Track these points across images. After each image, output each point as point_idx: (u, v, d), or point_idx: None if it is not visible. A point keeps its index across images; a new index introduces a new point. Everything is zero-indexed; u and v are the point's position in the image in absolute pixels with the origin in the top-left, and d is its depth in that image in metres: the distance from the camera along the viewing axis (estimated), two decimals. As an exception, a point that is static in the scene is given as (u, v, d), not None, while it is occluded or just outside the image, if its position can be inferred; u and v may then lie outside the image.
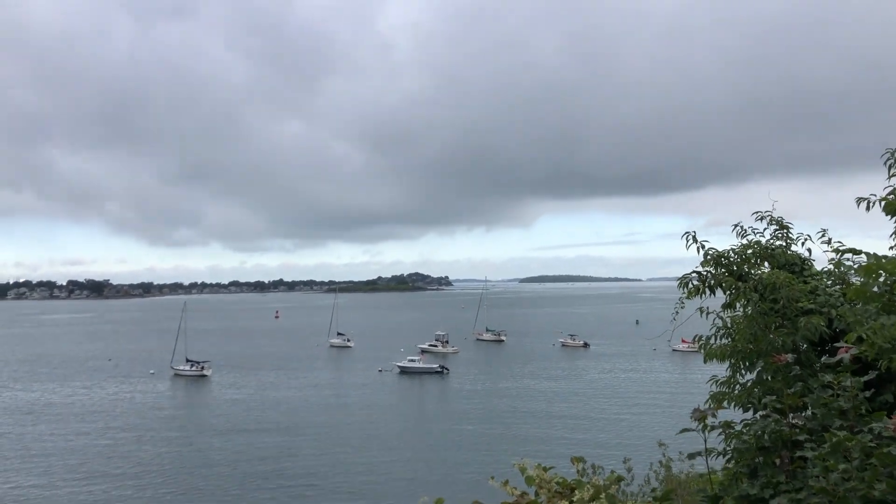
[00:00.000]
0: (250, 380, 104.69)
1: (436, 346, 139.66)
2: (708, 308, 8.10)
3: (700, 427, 7.09)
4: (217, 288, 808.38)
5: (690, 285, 8.03)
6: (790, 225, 8.13)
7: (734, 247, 8.04)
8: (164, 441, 66.74)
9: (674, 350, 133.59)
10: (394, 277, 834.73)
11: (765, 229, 8.21)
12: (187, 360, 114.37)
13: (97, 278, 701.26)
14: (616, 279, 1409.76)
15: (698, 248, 8.23)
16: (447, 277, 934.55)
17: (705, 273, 7.98)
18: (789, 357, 6.15)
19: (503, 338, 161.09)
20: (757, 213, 8.29)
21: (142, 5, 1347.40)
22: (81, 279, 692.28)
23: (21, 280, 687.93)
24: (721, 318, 7.94)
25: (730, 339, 7.76)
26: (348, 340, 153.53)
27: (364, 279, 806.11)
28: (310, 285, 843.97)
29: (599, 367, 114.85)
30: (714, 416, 6.53)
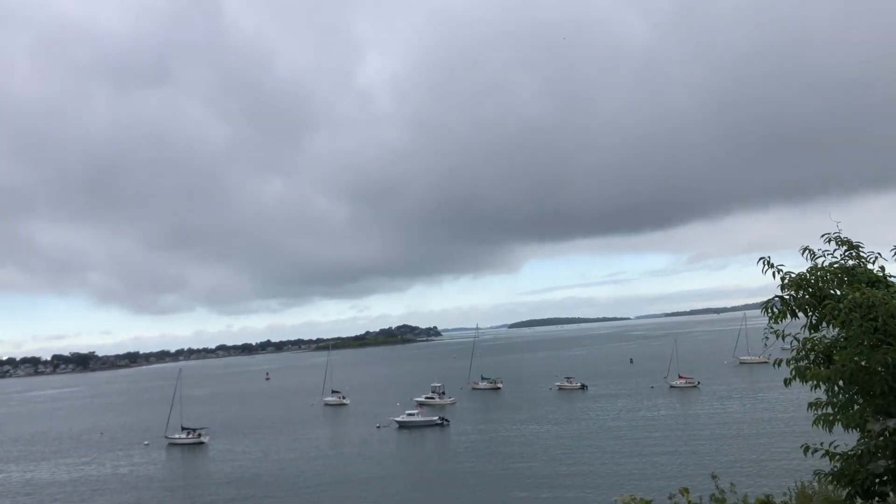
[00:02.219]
0: (249, 444, 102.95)
1: (432, 398, 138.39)
2: (783, 331, 8.20)
3: (813, 452, 7.28)
4: (204, 353, 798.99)
5: (775, 310, 8.13)
6: (861, 244, 8.30)
7: (808, 270, 8.19)
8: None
9: (671, 386, 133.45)
10: (382, 331, 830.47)
11: (835, 250, 8.39)
12: (182, 428, 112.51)
13: (82, 351, 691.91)
14: (605, 319, 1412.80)
15: (774, 273, 8.38)
16: (436, 328, 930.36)
17: (788, 297, 8.11)
18: None
19: (499, 385, 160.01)
20: (825, 234, 8.47)
21: (119, 73, 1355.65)
22: (66, 353, 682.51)
23: (4, 358, 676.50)
24: (808, 340, 8.01)
25: (820, 363, 7.83)
26: (343, 398, 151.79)
27: (352, 335, 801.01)
28: (298, 344, 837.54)
29: (599, 407, 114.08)
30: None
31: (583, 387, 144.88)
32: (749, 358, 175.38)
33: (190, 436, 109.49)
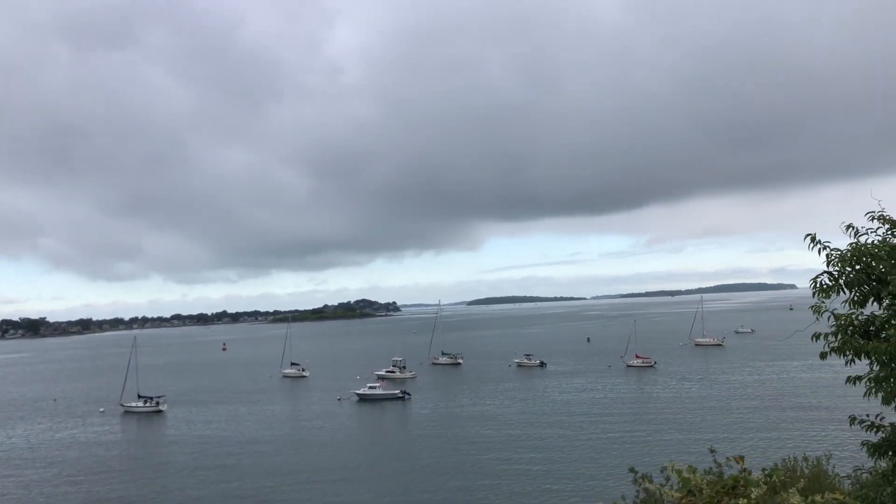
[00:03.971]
0: (208, 414, 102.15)
1: (393, 371, 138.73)
2: (826, 306, 8.28)
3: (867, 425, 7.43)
4: (159, 322, 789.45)
5: (823, 285, 8.20)
6: None
7: (849, 247, 8.27)
8: (127, 482, 64.52)
9: (628, 365, 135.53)
10: (341, 305, 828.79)
11: (878, 228, 8.48)
12: (139, 397, 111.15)
13: (32, 316, 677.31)
14: (562, 298, 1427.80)
15: (819, 249, 8.45)
16: (395, 303, 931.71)
17: (836, 272, 8.19)
18: None
19: (460, 361, 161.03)
20: (870, 213, 8.56)
21: (80, 33, 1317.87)
22: (16, 318, 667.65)
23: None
24: (847, 316, 8.11)
25: (867, 338, 7.93)
26: (303, 370, 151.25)
27: (310, 308, 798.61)
28: (254, 316, 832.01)
29: (558, 385, 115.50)
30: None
31: (542, 364, 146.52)
32: (704, 340, 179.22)
33: (147, 404, 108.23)
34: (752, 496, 5.83)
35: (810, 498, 5.60)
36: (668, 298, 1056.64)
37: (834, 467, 12.76)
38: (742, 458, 6.80)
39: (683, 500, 6.33)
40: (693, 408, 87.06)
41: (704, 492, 6.43)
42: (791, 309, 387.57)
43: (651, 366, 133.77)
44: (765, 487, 6.00)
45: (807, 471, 11.93)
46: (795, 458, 12.94)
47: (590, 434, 74.36)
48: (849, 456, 46.03)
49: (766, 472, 6.55)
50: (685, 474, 6.65)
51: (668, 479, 17.07)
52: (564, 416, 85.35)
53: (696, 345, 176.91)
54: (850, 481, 11.17)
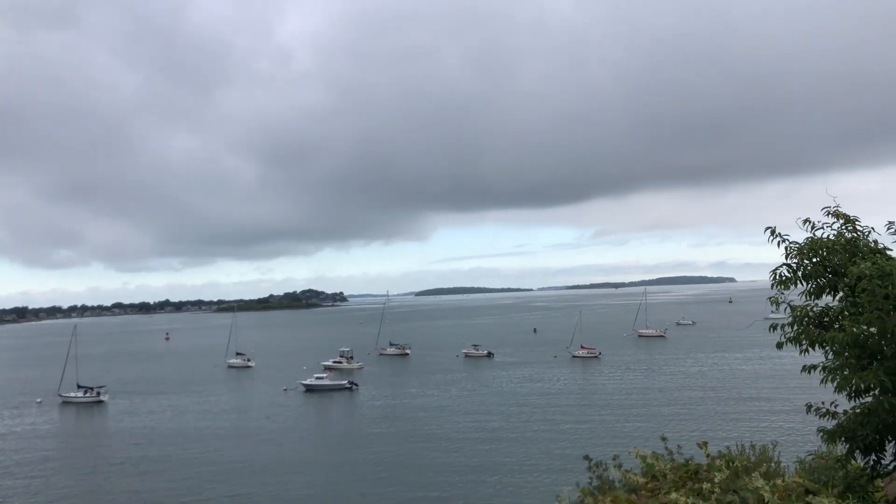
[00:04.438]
0: (151, 404, 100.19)
1: (340, 362, 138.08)
2: (786, 298, 8.57)
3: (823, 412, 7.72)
4: (99, 310, 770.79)
5: (782, 276, 8.46)
6: (857, 218, 8.73)
7: (806, 241, 8.56)
8: (68, 474, 62.99)
9: (574, 356, 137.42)
10: (287, 294, 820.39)
11: (833, 223, 8.79)
12: (79, 387, 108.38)
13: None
14: (509, 290, 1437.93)
15: (779, 242, 8.71)
16: (342, 293, 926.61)
17: (795, 265, 8.46)
18: None
19: (408, 351, 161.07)
20: (825, 208, 8.86)
21: (20, 12, 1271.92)
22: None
23: None
24: (802, 307, 8.41)
25: (822, 328, 8.23)
26: (248, 360, 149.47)
27: (255, 297, 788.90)
28: (198, 305, 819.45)
29: (506, 375, 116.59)
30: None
31: (489, 354, 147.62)
32: (647, 331, 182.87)
33: (87, 394, 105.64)
34: (716, 480, 6.01)
35: (772, 481, 5.81)
36: (613, 290, 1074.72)
37: (780, 454, 13.20)
38: (706, 443, 7.02)
39: (648, 485, 6.50)
40: (639, 398, 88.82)
41: (668, 476, 6.60)
42: (731, 302, 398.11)
43: (596, 356, 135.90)
44: (727, 472, 6.20)
45: (753, 458, 12.40)
46: (743, 446, 13.35)
47: (539, 424, 75.22)
48: (793, 443, 47.71)
49: (727, 457, 6.77)
50: (649, 460, 6.82)
51: (619, 466, 17.43)
52: (513, 407, 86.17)
53: (640, 336, 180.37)
54: (795, 467, 11.56)
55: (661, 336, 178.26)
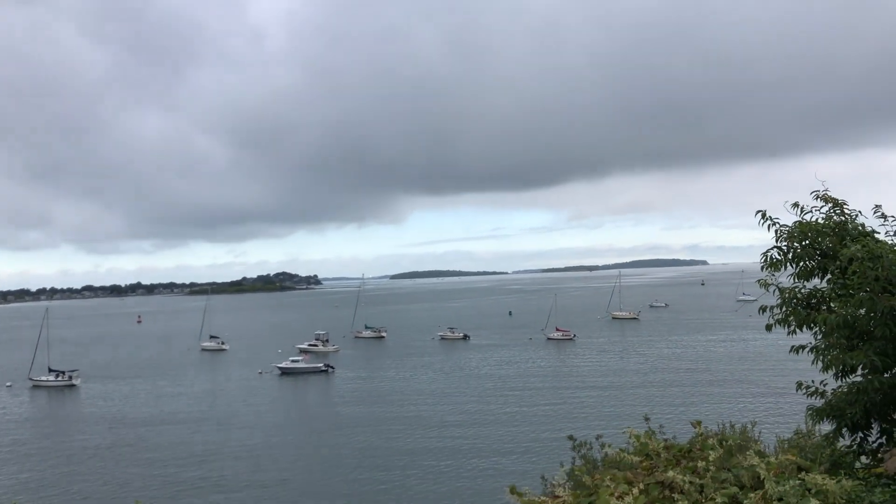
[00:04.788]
0: (124, 388, 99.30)
1: (316, 345, 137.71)
2: (777, 279, 8.71)
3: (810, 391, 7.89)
4: (69, 293, 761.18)
5: (772, 258, 8.59)
6: (845, 202, 8.86)
7: (796, 223, 8.68)
8: (39, 459, 62.38)
9: (549, 338, 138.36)
10: (260, 277, 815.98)
11: (822, 207, 8.91)
12: (50, 370, 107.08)
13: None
14: (484, 273, 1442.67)
15: (769, 225, 8.82)
16: (316, 276, 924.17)
17: (786, 248, 8.59)
18: None
19: (384, 334, 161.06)
20: (815, 192, 8.98)
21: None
22: None
23: None
24: (791, 289, 8.55)
25: (810, 310, 8.38)
26: (222, 343, 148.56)
27: (228, 280, 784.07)
28: (170, 288, 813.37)
29: (481, 357, 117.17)
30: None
31: (465, 337, 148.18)
32: (621, 314, 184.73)
33: (59, 378, 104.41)
34: (710, 458, 6.10)
35: (766, 459, 5.91)
36: (587, 273, 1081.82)
37: (760, 433, 13.50)
38: (699, 422, 7.13)
39: (643, 464, 6.58)
40: (614, 379, 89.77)
41: (662, 455, 6.69)
42: (703, 284, 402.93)
43: (571, 338, 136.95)
44: (721, 450, 6.29)
45: (733, 436, 12.74)
46: (724, 425, 13.61)
47: (517, 406, 75.67)
48: (770, 423, 48.55)
49: (719, 436, 6.88)
50: (643, 439, 6.90)
51: (609, 445, 17.62)
52: (490, 389, 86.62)
53: (614, 318, 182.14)
54: (775, 446, 11.80)
55: (635, 318, 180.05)
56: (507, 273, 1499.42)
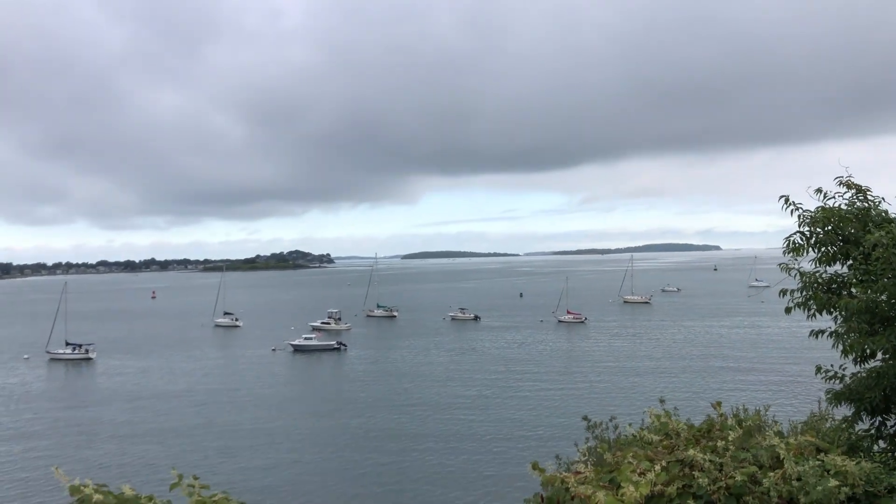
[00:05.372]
0: (139, 362, 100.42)
1: (328, 323, 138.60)
2: (795, 265, 8.78)
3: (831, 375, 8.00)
4: (84, 268, 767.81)
5: (795, 243, 8.66)
6: (869, 188, 8.90)
7: (819, 209, 8.73)
8: (59, 433, 63.36)
9: (560, 321, 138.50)
10: (273, 255, 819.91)
11: (845, 193, 8.96)
12: (67, 344, 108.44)
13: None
14: (495, 254, 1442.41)
15: (792, 210, 8.87)
16: (329, 255, 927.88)
17: (809, 233, 8.65)
18: None
19: (395, 313, 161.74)
20: (838, 178, 9.02)
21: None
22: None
23: None
24: (811, 274, 8.64)
25: (835, 293, 8.46)
26: (236, 320, 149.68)
27: (241, 257, 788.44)
28: (184, 264, 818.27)
29: (492, 338, 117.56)
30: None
31: (476, 318, 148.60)
32: (633, 298, 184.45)
33: (76, 351, 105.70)
34: (730, 438, 6.22)
35: (786, 439, 6.03)
36: (599, 257, 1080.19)
37: (773, 416, 13.56)
38: (719, 403, 7.24)
39: (663, 443, 6.71)
40: (626, 362, 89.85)
41: (682, 435, 6.82)
42: (716, 269, 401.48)
43: (582, 321, 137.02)
44: (740, 431, 6.41)
45: (751, 417, 12.89)
46: (737, 408, 13.71)
47: (527, 388, 75.93)
48: (781, 406, 48.54)
49: (737, 416, 7.00)
50: (663, 419, 7.03)
51: (616, 427, 17.76)
52: (500, 370, 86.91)
53: (625, 302, 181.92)
54: (788, 428, 11.92)
55: (647, 302, 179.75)
56: (518, 255, 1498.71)
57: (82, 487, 4.71)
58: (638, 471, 5.86)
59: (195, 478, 4.95)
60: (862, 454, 7.03)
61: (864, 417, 8.43)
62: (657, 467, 5.86)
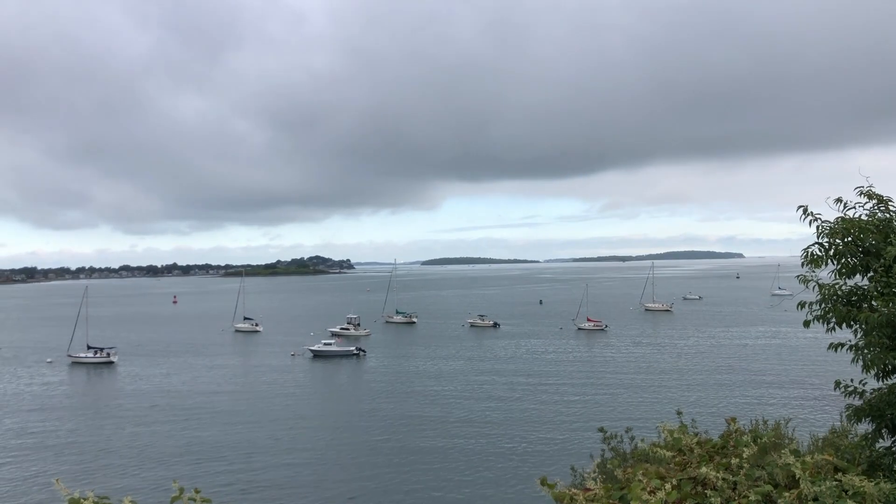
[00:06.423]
0: (160, 367, 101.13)
1: (348, 329, 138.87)
2: (813, 277, 8.60)
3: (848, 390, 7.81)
4: (107, 273, 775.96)
5: (813, 255, 8.46)
6: (890, 199, 8.68)
7: (838, 219, 8.53)
8: (81, 435, 63.86)
9: (579, 329, 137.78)
10: (294, 261, 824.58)
11: (866, 203, 8.75)
12: (88, 347, 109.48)
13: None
14: (515, 261, 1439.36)
15: (810, 221, 8.68)
16: (349, 261, 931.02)
17: (828, 244, 8.45)
18: None
19: (414, 319, 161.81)
20: (859, 188, 8.81)
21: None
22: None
23: None
24: (830, 286, 8.44)
25: (855, 306, 8.25)
26: (256, 325, 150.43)
27: (262, 263, 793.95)
28: (206, 269, 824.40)
29: (511, 345, 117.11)
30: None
31: (495, 325, 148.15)
32: (654, 305, 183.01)
33: (98, 355, 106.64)
34: (744, 455, 6.06)
35: (802, 458, 5.86)
36: (619, 264, 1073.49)
37: (794, 430, 13.35)
38: (734, 419, 7.07)
39: (676, 459, 6.56)
40: (646, 371, 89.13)
41: (695, 451, 6.66)
42: (738, 277, 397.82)
43: (602, 329, 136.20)
44: (755, 448, 6.25)
45: (768, 433, 12.65)
46: (757, 421, 13.50)
47: (546, 396, 75.57)
48: (803, 420, 47.90)
49: (753, 432, 6.83)
50: (676, 434, 6.87)
51: (632, 438, 17.48)
52: (519, 378, 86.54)
53: (646, 310, 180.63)
54: (809, 444, 11.68)
55: (668, 310, 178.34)
56: (538, 262, 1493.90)
57: (82, 501, 4.68)
58: (648, 489, 5.72)
59: (197, 491, 4.91)
60: (882, 473, 6.82)
61: (884, 435, 8.22)
62: (668, 485, 5.72)
